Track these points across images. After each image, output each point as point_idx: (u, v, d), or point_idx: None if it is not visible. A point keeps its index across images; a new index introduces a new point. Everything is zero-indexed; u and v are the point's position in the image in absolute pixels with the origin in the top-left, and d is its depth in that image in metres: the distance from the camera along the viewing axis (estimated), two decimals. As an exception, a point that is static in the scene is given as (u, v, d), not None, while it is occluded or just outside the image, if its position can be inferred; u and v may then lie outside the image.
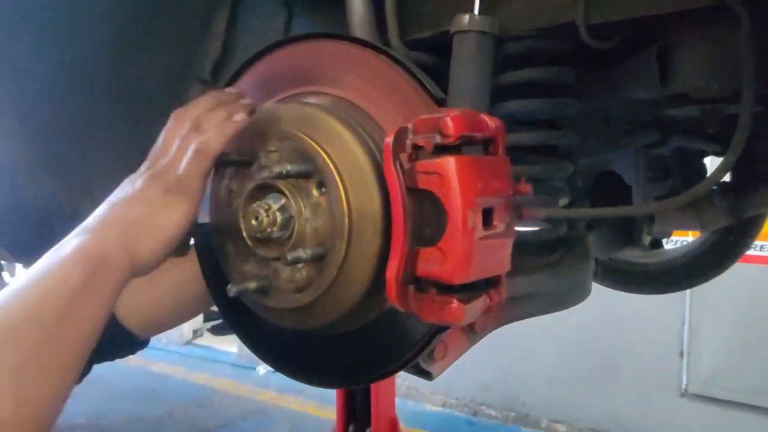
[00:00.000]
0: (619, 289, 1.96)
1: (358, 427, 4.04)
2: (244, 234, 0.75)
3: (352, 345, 0.80)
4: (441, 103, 0.73)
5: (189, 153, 0.74)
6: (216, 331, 6.67)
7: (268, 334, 0.85)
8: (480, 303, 0.69)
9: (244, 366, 5.66)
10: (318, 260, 0.71)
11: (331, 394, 4.18)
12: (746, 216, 1.46)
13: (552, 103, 0.89)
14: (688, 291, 3.55)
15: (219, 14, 1.11)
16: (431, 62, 0.94)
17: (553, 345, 4.18)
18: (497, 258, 0.70)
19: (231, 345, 6.12)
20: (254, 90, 0.85)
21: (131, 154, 1.16)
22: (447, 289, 0.66)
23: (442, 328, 0.74)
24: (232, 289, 0.72)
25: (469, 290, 0.68)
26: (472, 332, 0.86)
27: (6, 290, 0.63)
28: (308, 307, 0.74)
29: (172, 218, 0.72)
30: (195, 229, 0.77)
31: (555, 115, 0.93)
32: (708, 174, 1.52)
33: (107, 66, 1.10)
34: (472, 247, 0.65)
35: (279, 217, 0.71)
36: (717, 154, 1.43)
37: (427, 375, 0.83)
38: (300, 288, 0.73)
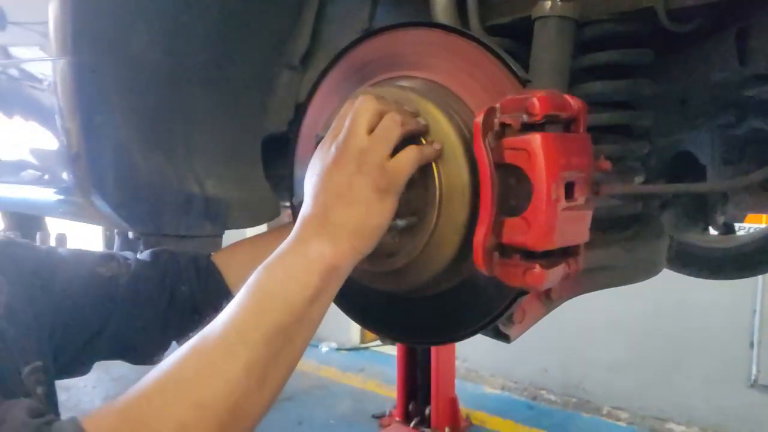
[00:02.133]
0: (689, 274, 1.95)
1: (418, 405, 4.14)
2: None
3: (438, 307, 0.87)
4: (525, 84, 0.79)
5: (407, 156, 0.74)
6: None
7: (361, 295, 0.93)
8: (560, 270, 0.75)
9: (307, 344, 5.86)
10: (411, 228, 0.79)
11: (392, 373, 4.30)
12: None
13: (629, 85, 0.93)
14: (759, 279, 3.45)
15: (308, 4, 1.19)
16: (510, 47, 0.99)
17: (617, 331, 4.14)
18: (577, 228, 0.76)
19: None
20: (350, 75, 0.93)
21: (227, 133, 1.27)
22: (530, 255, 0.73)
23: (522, 293, 0.81)
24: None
25: (550, 258, 0.74)
26: (548, 300, 0.92)
27: (255, 288, 0.69)
28: (400, 271, 0.81)
29: (386, 217, 0.74)
30: (298, 203, 0.86)
31: (632, 95, 0.97)
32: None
33: (205, 54, 1.19)
34: (555, 217, 0.71)
35: None
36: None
37: (504, 338, 0.89)
38: (392, 253, 0.81)
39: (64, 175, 1.15)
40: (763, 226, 1.99)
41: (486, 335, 0.90)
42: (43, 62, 1.14)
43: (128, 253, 1.01)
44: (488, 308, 0.83)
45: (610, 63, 0.92)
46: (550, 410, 4.44)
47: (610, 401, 4.26)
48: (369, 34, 0.92)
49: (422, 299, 0.88)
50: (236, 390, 0.63)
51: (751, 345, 3.64)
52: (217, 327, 0.67)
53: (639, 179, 1.00)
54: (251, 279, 0.71)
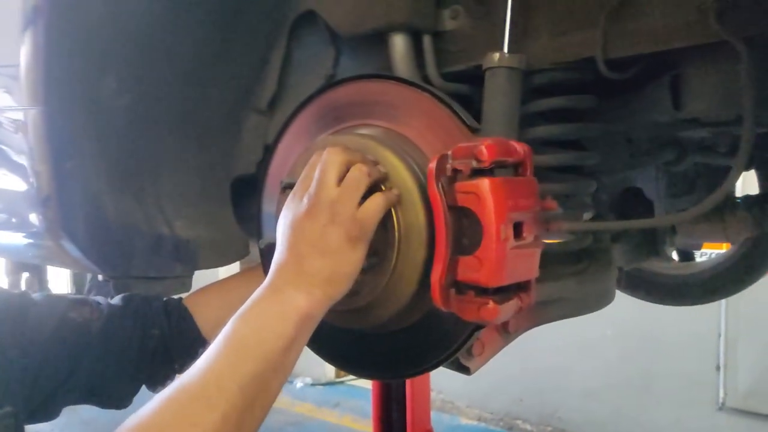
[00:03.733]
0: (651, 301, 2.01)
1: (394, 439, 4.11)
2: None
3: (400, 342, 0.91)
4: (476, 131, 0.85)
5: (375, 204, 0.79)
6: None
7: (324, 333, 0.96)
8: (513, 304, 0.80)
9: (282, 379, 5.80)
10: (372, 268, 0.83)
11: (368, 407, 4.27)
12: (769, 228, 1.52)
13: (575, 128, 1.00)
14: (723, 303, 3.56)
15: (275, 51, 1.24)
16: (466, 91, 1.05)
17: (589, 359, 4.20)
18: (527, 265, 0.81)
19: (269, 359, 6.26)
20: (312, 123, 0.98)
21: (196, 175, 1.30)
22: (483, 291, 0.78)
23: (479, 327, 0.85)
24: None
25: (502, 293, 0.79)
26: (506, 332, 0.96)
27: (231, 337, 0.72)
28: (363, 309, 0.85)
29: (357, 265, 0.78)
30: (265, 246, 0.89)
31: (579, 137, 1.03)
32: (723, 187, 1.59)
33: (174, 99, 1.23)
34: (505, 255, 0.76)
35: None
36: (745, 169, 1.51)
37: (465, 370, 0.93)
38: (355, 292, 0.85)
39: (33, 218, 1.17)
40: (722, 251, 2.08)
41: (448, 368, 0.93)
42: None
43: (100, 298, 1.03)
44: (448, 342, 0.87)
45: (557, 108, 0.98)
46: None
47: (585, 428, 4.29)
48: (333, 83, 0.98)
49: (385, 335, 0.92)
50: None
51: (717, 368, 3.73)
52: (194, 376, 0.69)
53: (588, 215, 1.06)
54: (227, 327, 0.73)
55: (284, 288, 0.76)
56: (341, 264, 0.77)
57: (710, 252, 2.77)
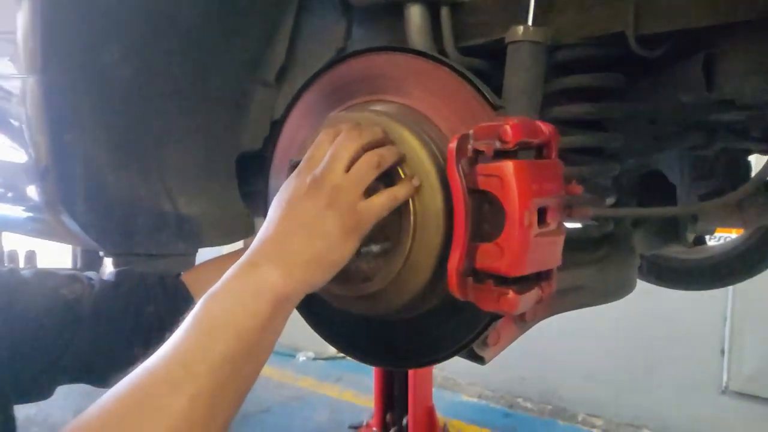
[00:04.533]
0: (662, 285, 1.98)
1: (395, 415, 4.12)
2: None
3: (413, 330, 0.87)
4: (498, 109, 0.80)
5: (380, 203, 0.75)
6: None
7: (336, 320, 0.93)
8: (533, 294, 0.76)
9: (284, 353, 5.82)
10: (385, 253, 0.79)
11: (369, 383, 4.28)
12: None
13: (600, 107, 0.94)
14: (730, 288, 3.52)
15: (284, 22, 1.19)
16: (484, 67, 1.00)
17: (592, 340, 4.18)
18: (550, 253, 0.77)
19: (272, 333, 6.28)
20: (323, 98, 0.93)
21: (200, 150, 1.25)
22: (503, 281, 0.73)
23: (496, 317, 0.81)
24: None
25: (523, 282, 0.75)
26: (522, 321, 0.93)
27: (201, 316, 0.67)
28: (375, 295, 0.81)
29: (345, 257, 0.74)
30: None
31: (606, 118, 0.98)
32: (752, 173, 1.54)
33: (179, 70, 1.18)
34: (528, 243, 0.71)
35: None
36: (762, 153, 1.45)
37: (480, 360, 0.90)
38: (367, 278, 0.81)
39: (30, 191, 1.13)
40: (734, 236, 2.03)
41: (461, 357, 0.90)
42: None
43: (93, 274, 0.99)
44: (463, 331, 0.84)
45: (582, 86, 0.93)
46: (527, 418, 4.47)
47: (586, 409, 4.30)
48: (345, 56, 0.92)
49: (397, 323, 0.88)
50: (180, 425, 0.60)
51: (722, 352, 3.71)
52: (160, 358, 0.64)
53: (610, 200, 1.01)
54: (198, 306, 0.68)
55: (261, 264, 0.71)
56: (329, 251, 0.73)
57: (721, 236, 2.73)
